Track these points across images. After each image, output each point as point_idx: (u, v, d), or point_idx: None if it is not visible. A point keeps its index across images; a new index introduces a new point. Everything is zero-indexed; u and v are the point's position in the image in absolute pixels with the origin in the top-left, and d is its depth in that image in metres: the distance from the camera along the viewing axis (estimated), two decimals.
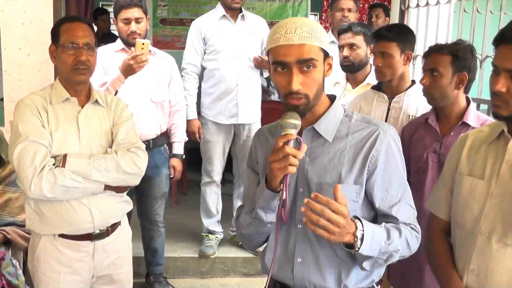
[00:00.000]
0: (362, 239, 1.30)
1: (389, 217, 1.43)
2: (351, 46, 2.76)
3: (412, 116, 2.39)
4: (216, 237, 3.61)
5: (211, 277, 3.52)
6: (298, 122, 1.32)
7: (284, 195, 1.33)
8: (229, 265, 3.54)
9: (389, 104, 2.44)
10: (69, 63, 1.95)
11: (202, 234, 3.63)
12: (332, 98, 1.48)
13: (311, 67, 1.33)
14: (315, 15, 6.14)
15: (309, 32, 1.32)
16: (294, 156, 1.27)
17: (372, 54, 2.52)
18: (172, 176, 3.13)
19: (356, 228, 1.30)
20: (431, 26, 3.25)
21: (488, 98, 2.86)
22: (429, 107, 2.33)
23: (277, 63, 1.35)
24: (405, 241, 1.41)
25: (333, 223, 1.23)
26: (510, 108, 1.38)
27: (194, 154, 4.69)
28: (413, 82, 2.48)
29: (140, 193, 3.05)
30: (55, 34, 2.00)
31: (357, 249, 1.31)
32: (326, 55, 1.38)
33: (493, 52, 2.55)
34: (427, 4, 3.26)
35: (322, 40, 1.35)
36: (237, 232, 1.62)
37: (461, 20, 3.16)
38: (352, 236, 1.29)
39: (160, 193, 3.07)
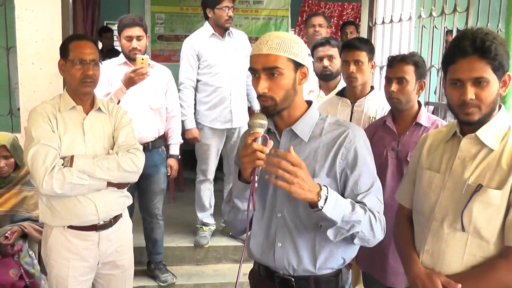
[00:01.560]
0: (326, 200, 1.29)
1: (357, 202, 1.41)
2: (330, 57, 2.77)
3: (372, 117, 2.43)
4: (210, 229, 3.63)
5: (205, 264, 3.53)
6: (264, 122, 1.36)
7: (256, 185, 1.35)
8: (221, 253, 3.55)
9: (352, 107, 2.48)
10: (78, 76, 1.98)
11: (197, 226, 3.65)
12: (309, 103, 1.51)
13: (277, 74, 1.36)
14: (294, 30, 6.21)
15: (278, 44, 1.36)
16: (261, 151, 1.30)
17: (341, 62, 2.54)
18: (169, 174, 3.16)
19: (321, 189, 1.30)
20: (395, 40, 3.31)
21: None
22: (386, 109, 2.38)
23: (250, 70, 1.40)
24: (369, 220, 1.39)
25: (290, 172, 1.25)
26: (481, 111, 1.38)
27: (190, 155, 4.70)
28: (372, 88, 2.53)
29: (141, 190, 3.07)
30: (65, 50, 2.02)
31: (320, 207, 1.28)
32: (298, 65, 1.40)
33: None
34: (391, 21, 3.32)
35: (293, 52, 1.37)
36: (223, 219, 1.63)
37: (420, 34, 3.21)
38: (316, 195, 1.29)
39: (158, 189, 3.09)
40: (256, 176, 1.34)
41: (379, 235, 1.43)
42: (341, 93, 2.58)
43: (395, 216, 1.81)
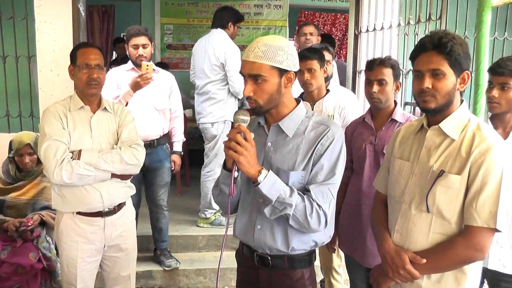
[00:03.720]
0: (264, 179, 1.37)
1: (306, 190, 1.45)
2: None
3: (331, 115, 2.51)
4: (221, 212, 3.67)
5: (207, 251, 3.55)
6: (247, 118, 1.40)
7: (236, 174, 1.40)
8: (221, 241, 3.53)
9: (312, 108, 2.55)
10: (84, 79, 2.02)
11: (212, 216, 3.64)
12: (298, 102, 1.53)
13: (261, 80, 1.38)
14: (293, 39, 6.24)
15: (263, 52, 1.36)
16: (241, 145, 1.35)
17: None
18: (173, 168, 3.18)
19: (262, 169, 1.39)
20: (378, 47, 3.34)
21: None
22: (342, 107, 2.49)
23: (240, 73, 1.44)
24: (304, 209, 1.41)
25: (241, 145, 1.34)
26: (437, 100, 1.42)
27: (196, 154, 4.76)
28: (328, 90, 2.59)
29: (147, 183, 3.10)
30: (73, 56, 2.06)
31: (259, 181, 1.37)
32: (283, 71, 1.40)
33: None
34: (374, 29, 3.35)
35: (278, 60, 1.37)
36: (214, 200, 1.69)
37: (403, 41, 3.21)
38: (258, 172, 1.37)
39: (163, 182, 3.11)
40: (236, 166, 1.39)
41: (315, 226, 1.44)
42: (300, 97, 2.61)
43: (373, 201, 1.84)
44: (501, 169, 1.36)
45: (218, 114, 3.54)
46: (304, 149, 1.46)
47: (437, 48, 1.40)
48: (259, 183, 1.38)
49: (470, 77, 1.45)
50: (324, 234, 1.55)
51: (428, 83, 1.42)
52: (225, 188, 1.51)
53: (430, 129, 1.50)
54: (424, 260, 1.45)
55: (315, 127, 1.48)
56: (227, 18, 3.53)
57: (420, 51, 1.45)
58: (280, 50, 1.38)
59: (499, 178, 1.36)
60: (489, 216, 1.36)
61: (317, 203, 1.43)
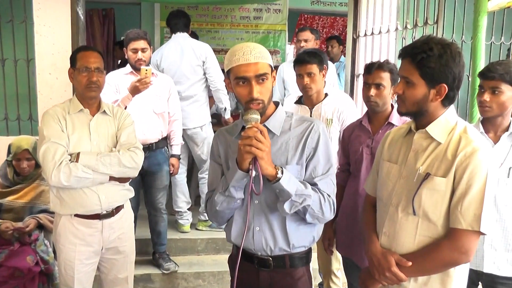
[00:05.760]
0: (282, 174, 1.42)
1: (312, 184, 1.52)
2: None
3: (330, 119, 2.53)
4: None
5: (206, 254, 3.56)
6: (258, 116, 1.43)
7: (254, 173, 1.42)
8: (220, 245, 3.57)
9: (311, 112, 2.57)
10: (84, 82, 2.05)
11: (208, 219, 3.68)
12: (276, 104, 1.59)
13: (264, 79, 1.45)
14: (292, 43, 6.26)
15: (260, 53, 1.44)
16: (261, 142, 1.38)
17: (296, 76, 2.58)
18: (171, 172, 3.19)
19: (276, 166, 1.44)
20: (376, 51, 3.36)
21: None
22: (340, 111, 2.50)
23: (239, 78, 1.44)
24: (319, 199, 1.50)
25: (262, 143, 1.38)
26: (405, 106, 1.48)
27: None
28: (326, 94, 2.61)
29: (146, 186, 3.12)
30: (73, 60, 2.10)
31: (279, 177, 1.41)
32: (271, 70, 1.49)
33: None
34: (372, 33, 3.38)
35: (269, 59, 1.48)
36: (209, 211, 1.62)
37: (399, 45, 3.23)
38: (275, 169, 1.42)
39: (162, 185, 3.12)
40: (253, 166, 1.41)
41: (328, 215, 1.54)
42: (299, 101, 2.66)
43: (363, 204, 1.86)
44: (486, 172, 1.38)
45: (205, 116, 3.59)
46: (293, 144, 1.52)
47: (409, 56, 1.44)
48: (279, 178, 1.42)
49: (447, 90, 1.42)
50: (321, 227, 1.62)
51: (399, 89, 1.47)
52: (234, 191, 1.50)
53: (417, 132, 1.53)
54: (410, 263, 1.47)
55: (298, 123, 1.56)
56: (187, 22, 3.63)
57: (400, 57, 1.50)
58: (266, 51, 1.49)
59: (484, 181, 1.38)
60: (473, 219, 1.38)
61: (327, 193, 1.53)
